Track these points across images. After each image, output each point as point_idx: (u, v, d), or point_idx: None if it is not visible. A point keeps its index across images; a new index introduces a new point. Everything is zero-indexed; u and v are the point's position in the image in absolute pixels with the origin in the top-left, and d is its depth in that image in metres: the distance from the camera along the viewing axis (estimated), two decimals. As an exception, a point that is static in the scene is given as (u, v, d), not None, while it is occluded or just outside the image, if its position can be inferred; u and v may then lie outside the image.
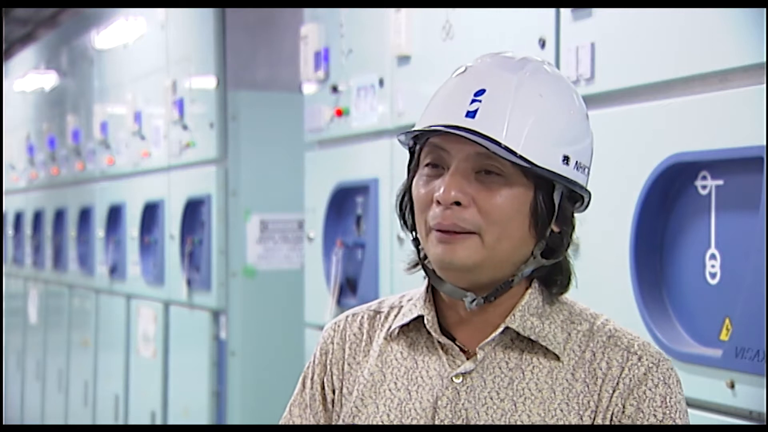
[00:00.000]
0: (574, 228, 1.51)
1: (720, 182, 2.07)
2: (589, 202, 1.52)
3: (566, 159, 1.45)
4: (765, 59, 1.92)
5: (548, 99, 1.46)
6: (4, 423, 7.73)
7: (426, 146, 1.49)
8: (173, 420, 4.95)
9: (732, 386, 1.97)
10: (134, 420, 5.45)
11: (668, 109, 2.16)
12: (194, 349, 4.72)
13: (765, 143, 1.91)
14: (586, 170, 1.50)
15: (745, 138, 1.97)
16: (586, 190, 1.50)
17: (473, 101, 1.43)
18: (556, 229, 1.48)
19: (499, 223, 1.44)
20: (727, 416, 2.00)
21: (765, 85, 1.92)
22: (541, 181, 1.45)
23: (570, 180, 1.46)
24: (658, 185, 2.15)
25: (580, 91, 2.34)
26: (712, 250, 2.08)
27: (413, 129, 1.49)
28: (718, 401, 2.01)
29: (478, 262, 1.45)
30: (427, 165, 1.49)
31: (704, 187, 2.10)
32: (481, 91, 1.44)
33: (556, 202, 1.46)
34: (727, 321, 2.03)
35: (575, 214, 1.52)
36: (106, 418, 5.85)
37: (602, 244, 2.30)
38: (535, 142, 1.42)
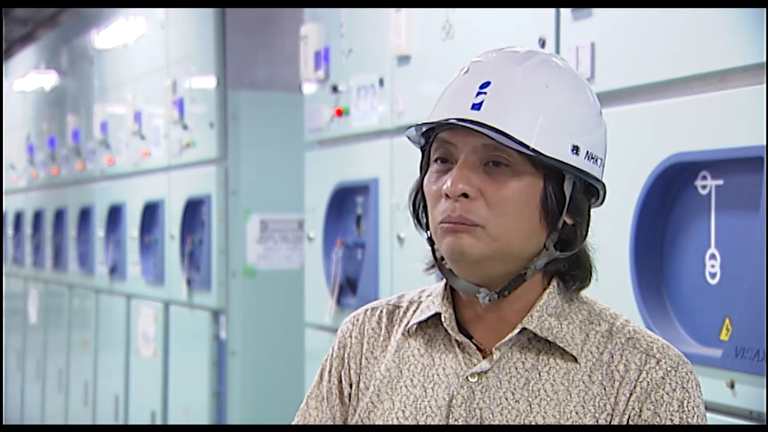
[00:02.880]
0: (589, 220, 1.50)
1: (720, 182, 2.07)
2: (605, 195, 1.51)
3: (576, 149, 1.44)
4: (765, 59, 1.92)
5: (555, 90, 1.45)
6: (4, 423, 7.73)
7: (435, 142, 1.49)
8: (173, 420, 4.95)
9: (732, 386, 1.97)
10: (134, 420, 5.45)
11: (668, 109, 2.16)
12: (194, 349, 4.72)
13: (765, 143, 1.91)
14: (599, 161, 1.48)
15: (745, 138, 1.97)
16: (601, 182, 1.49)
17: (479, 94, 1.43)
18: (569, 221, 1.47)
19: (507, 215, 1.43)
20: (727, 416, 2.00)
21: (765, 85, 1.92)
22: (550, 171, 1.44)
23: (581, 170, 1.45)
24: (658, 185, 2.15)
25: (580, 91, 2.36)
26: (712, 250, 2.08)
27: (417, 123, 1.48)
28: (718, 401, 2.01)
29: (486, 253, 1.44)
30: (436, 160, 1.48)
31: (704, 187, 2.10)
32: (486, 84, 1.44)
33: (567, 192, 1.45)
34: (727, 321, 2.03)
35: (591, 209, 1.51)
36: (106, 418, 5.85)
37: (602, 244, 2.30)
38: (541, 132, 1.42)
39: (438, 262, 1.53)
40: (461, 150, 1.44)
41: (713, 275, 2.07)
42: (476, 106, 1.42)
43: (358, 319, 1.63)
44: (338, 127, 3.47)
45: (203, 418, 4.61)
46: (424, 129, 1.49)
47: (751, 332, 1.93)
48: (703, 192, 2.11)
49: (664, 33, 2.16)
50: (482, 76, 1.45)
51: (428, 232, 1.52)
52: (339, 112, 3.43)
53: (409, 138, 1.54)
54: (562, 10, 2.41)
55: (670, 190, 2.16)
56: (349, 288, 3.42)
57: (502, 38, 2.59)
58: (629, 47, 2.25)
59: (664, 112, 2.17)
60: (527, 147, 1.40)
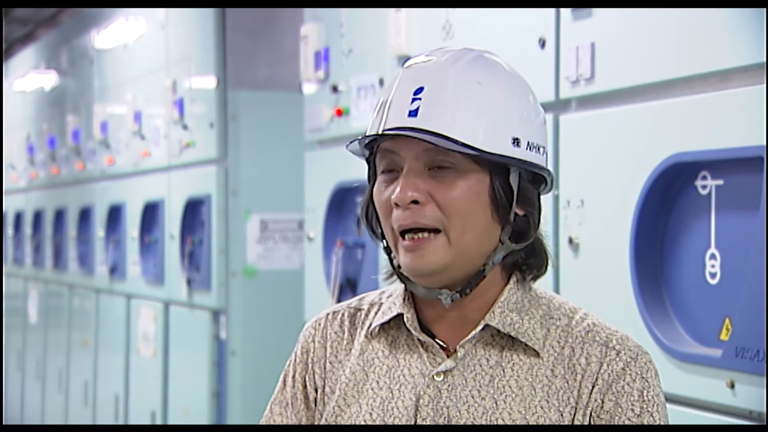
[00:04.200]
0: (540, 209, 1.52)
1: (720, 182, 2.07)
2: (552, 182, 1.53)
3: (516, 141, 1.46)
4: (765, 59, 1.92)
5: (487, 86, 1.47)
6: (4, 423, 7.73)
7: (378, 153, 1.52)
8: (173, 420, 4.95)
9: (732, 386, 1.97)
10: (134, 420, 5.45)
11: (668, 109, 2.16)
12: (194, 349, 4.72)
13: (765, 143, 1.91)
14: (542, 149, 1.51)
15: (745, 138, 1.97)
16: (546, 169, 1.51)
17: (414, 100, 1.46)
18: (520, 212, 1.49)
19: (459, 216, 1.45)
20: (727, 416, 2.00)
21: (765, 85, 1.92)
22: (495, 166, 1.46)
23: (525, 161, 1.47)
24: (658, 185, 2.15)
25: (579, 91, 2.36)
26: (712, 250, 2.08)
27: (357, 137, 1.52)
28: (718, 401, 2.01)
29: (447, 262, 1.46)
30: (383, 171, 1.51)
31: (704, 187, 2.10)
32: (420, 89, 1.46)
33: (514, 185, 1.47)
34: (727, 321, 2.03)
35: (541, 196, 1.53)
36: (106, 418, 5.85)
37: (602, 244, 2.30)
38: (479, 129, 1.44)
39: (396, 271, 1.54)
40: (404, 158, 1.47)
41: (713, 275, 2.07)
42: (413, 113, 1.45)
43: (320, 324, 1.64)
44: (338, 127, 3.46)
45: (203, 418, 4.62)
46: (366, 141, 1.52)
47: (751, 332, 1.93)
48: (703, 192, 2.11)
49: (664, 33, 2.16)
50: (416, 82, 1.47)
51: (384, 241, 1.54)
52: (339, 112, 3.43)
53: (352, 152, 1.56)
54: (562, 10, 2.41)
55: (670, 190, 2.17)
56: (349, 288, 3.42)
57: (502, 38, 2.60)
58: (629, 47, 2.25)
59: (664, 112, 2.17)
60: (468, 147, 1.43)
